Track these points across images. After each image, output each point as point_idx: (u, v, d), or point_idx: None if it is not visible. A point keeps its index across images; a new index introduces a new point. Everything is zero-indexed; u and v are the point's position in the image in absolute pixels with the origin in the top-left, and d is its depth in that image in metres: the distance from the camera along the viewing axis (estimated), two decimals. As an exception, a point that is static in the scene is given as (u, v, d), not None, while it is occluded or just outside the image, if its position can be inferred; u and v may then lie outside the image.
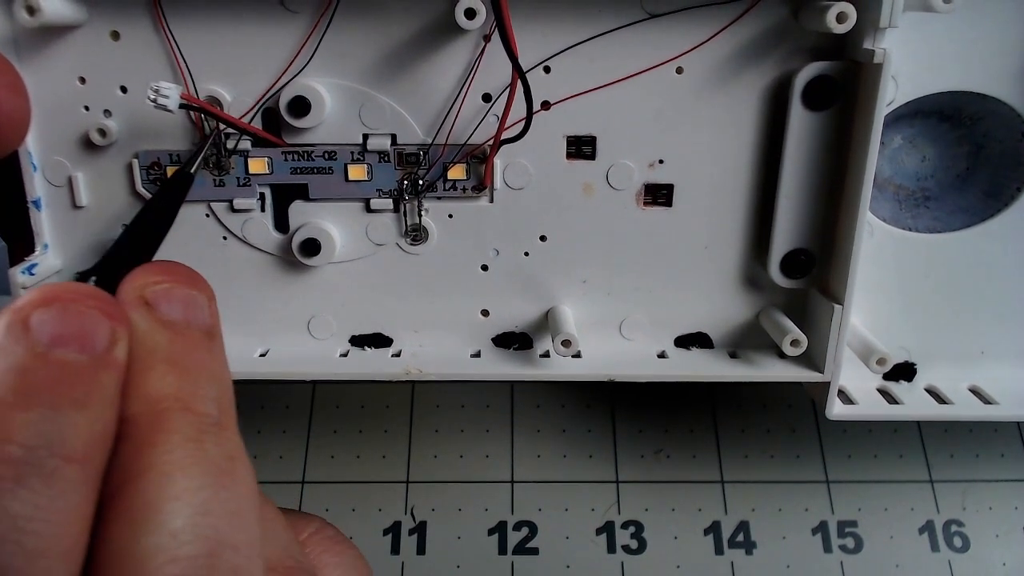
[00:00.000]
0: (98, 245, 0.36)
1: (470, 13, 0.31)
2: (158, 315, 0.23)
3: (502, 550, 0.44)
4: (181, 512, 0.20)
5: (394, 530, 0.44)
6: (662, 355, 0.38)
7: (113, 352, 0.21)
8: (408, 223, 0.36)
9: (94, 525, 0.20)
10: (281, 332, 0.38)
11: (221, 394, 0.23)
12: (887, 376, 0.39)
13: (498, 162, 0.35)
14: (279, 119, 0.34)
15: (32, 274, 0.34)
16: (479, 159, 0.35)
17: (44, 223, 0.36)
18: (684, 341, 0.39)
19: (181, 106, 0.31)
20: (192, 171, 0.32)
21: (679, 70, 0.34)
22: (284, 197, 0.36)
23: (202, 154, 0.33)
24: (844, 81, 0.33)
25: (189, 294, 0.24)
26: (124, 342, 0.21)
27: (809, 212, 0.35)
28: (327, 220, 0.36)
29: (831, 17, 0.30)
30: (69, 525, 0.19)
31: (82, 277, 0.24)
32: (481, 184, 0.35)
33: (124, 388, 0.21)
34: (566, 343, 0.35)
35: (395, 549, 0.44)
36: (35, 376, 0.19)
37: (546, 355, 0.38)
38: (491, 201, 0.36)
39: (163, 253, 0.36)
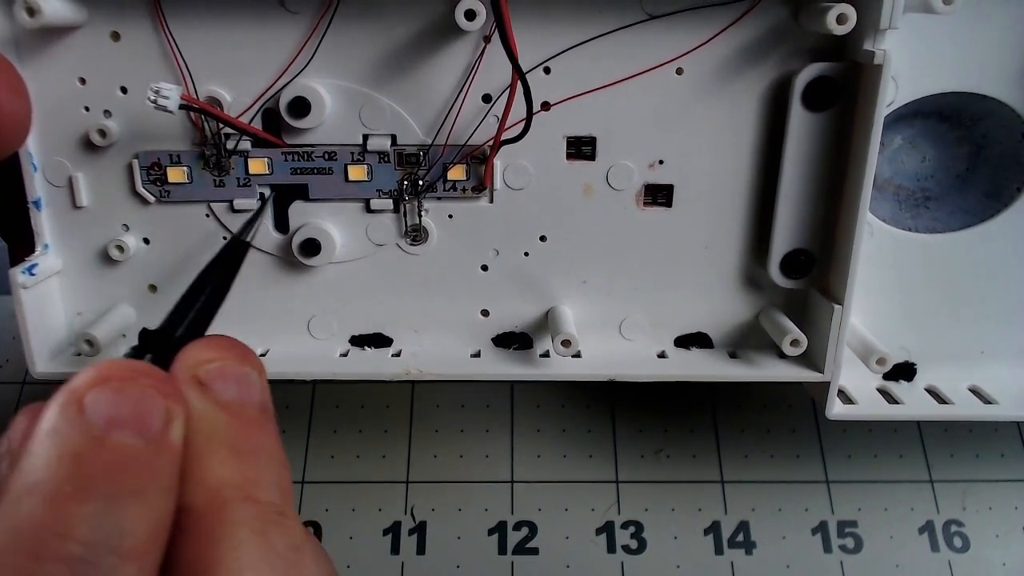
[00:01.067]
0: (99, 245, 0.36)
1: (470, 14, 0.31)
2: (213, 395, 0.22)
3: (502, 550, 0.44)
4: None
5: (394, 530, 0.44)
6: (662, 355, 0.38)
7: (169, 434, 0.20)
8: (408, 223, 0.36)
9: None
10: (281, 332, 0.38)
11: (281, 477, 0.22)
12: (887, 376, 0.39)
13: (498, 163, 0.35)
14: (279, 120, 0.34)
15: (32, 274, 0.34)
16: (479, 160, 0.35)
17: (44, 223, 0.36)
18: (684, 341, 0.39)
19: (181, 107, 0.31)
20: (248, 239, 0.31)
21: (679, 71, 0.34)
22: (284, 197, 0.36)
23: (258, 221, 0.33)
24: (844, 82, 0.33)
25: (243, 371, 0.23)
26: (180, 422, 0.21)
27: (809, 212, 0.35)
28: (327, 220, 0.36)
29: (831, 18, 0.30)
30: None
31: (136, 353, 0.24)
32: (481, 184, 0.35)
33: (184, 474, 0.21)
34: (566, 343, 0.35)
35: (395, 549, 0.44)
36: (92, 464, 0.19)
37: (546, 355, 0.38)
38: (491, 201, 0.36)
39: (165, 251, 0.36)
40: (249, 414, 0.23)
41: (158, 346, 0.24)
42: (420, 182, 0.35)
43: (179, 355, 0.23)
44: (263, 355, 0.38)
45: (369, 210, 0.36)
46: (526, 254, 0.37)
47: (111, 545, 0.18)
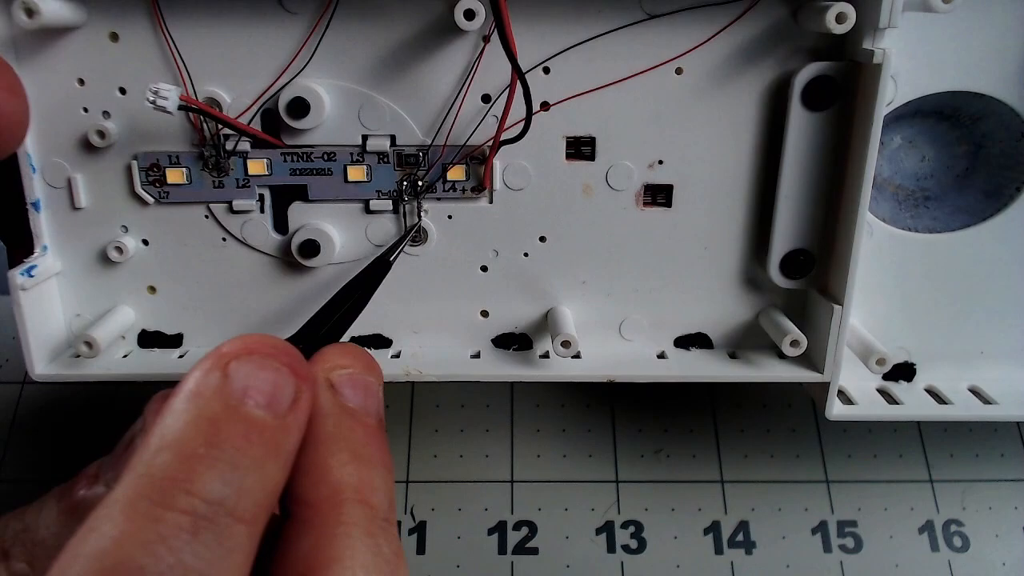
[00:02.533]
0: (98, 247, 0.36)
1: (469, 14, 0.31)
2: (341, 399, 0.24)
3: (502, 550, 0.44)
4: None
5: (394, 530, 0.44)
6: (662, 356, 0.38)
7: (295, 413, 0.22)
8: (407, 224, 0.36)
9: None
10: (280, 333, 0.37)
11: (389, 486, 0.24)
12: (887, 376, 0.39)
13: (497, 163, 0.35)
14: (278, 120, 0.34)
15: (31, 275, 0.34)
16: (478, 160, 0.35)
17: (43, 225, 0.35)
18: (684, 342, 0.39)
19: (180, 108, 0.31)
20: (392, 259, 0.33)
21: (679, 71, 0.34)
22: (283, 198, 0.36)
23: (404, 243, 0.35)
24: (843, 81, 0.33)
25: (368, 382, 0.25)
26: (306, 403, 0.22)
27: (809, 212, 0.35)
28: (326, 221, 0.36)
29: (830, 17, 0.30)
30: None
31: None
32: (480, 185, 0.35)
33: (305, 467, 0.22)
34: (566, 344, 0.35)
35: (395, 549, 0.44)
36: (225, 430, 0.20)
37: (546, 356, 0.38)
38: (490, 202, 0.36)
39: (164, 252, 0.36)
40: (369, 423, 0.24)
41: (303, 340, 0.26)
42: (419, 183, 0.35)
43: (317, 356, 0.25)
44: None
45: (368, 211, 0.36)
46: (526, 255, 0.37)
47: (228, 507, 0.20)
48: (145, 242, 0.36)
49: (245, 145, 0.35)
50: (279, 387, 0.22)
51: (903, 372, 0.39)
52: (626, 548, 0.44)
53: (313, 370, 0.24)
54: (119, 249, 0.36)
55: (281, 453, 0.21)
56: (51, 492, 0.31)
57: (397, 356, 0.38)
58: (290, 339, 0.26)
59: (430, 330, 0.38)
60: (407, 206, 0.36)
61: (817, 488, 0.45)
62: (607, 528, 0.44)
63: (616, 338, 0.38)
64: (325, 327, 0.29)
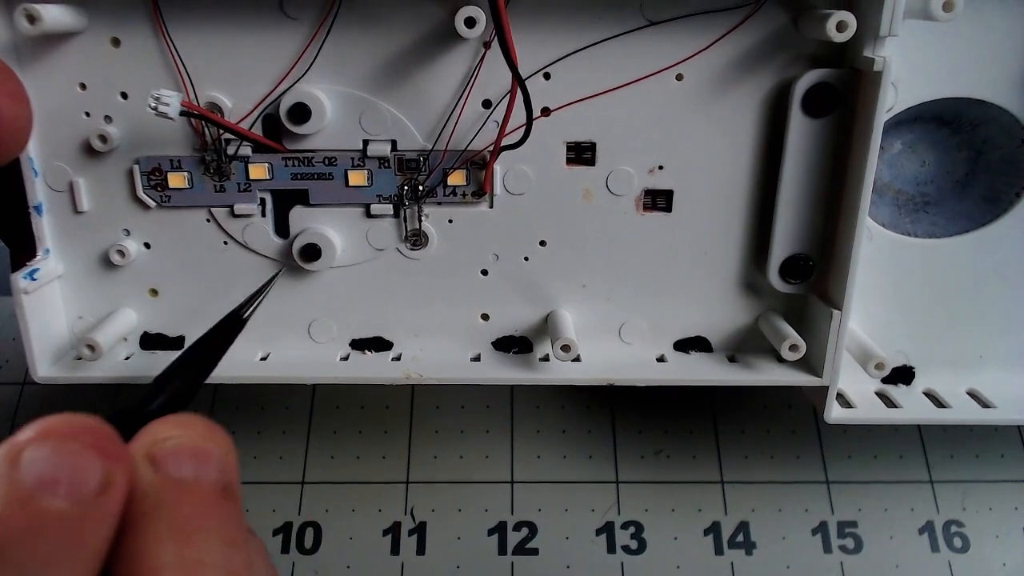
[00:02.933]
0: (100, 250, 0.36)
1: (470, 22, 0.31)
2: (164, 472, 0.21)
3: (502, 550, 0.44)
4: None
5: (394, 530, 0.44)
6: (661, 359, 0.38)
7: (102, 499, 0.19)
8: (408, 228, 0.36)
9: None
10: (282, 336, 0.38)
11: (230, 560, 0.21)
12: (886, 380, 0.40)
13: (498, 168, 0.35)
14: (279, 125, 0.34)
15: (34, 279, 0.35)
16: (479, 165, 0.35)
17: (45, 228, 0.36)
18: (683, 345, 0.39)
19: (182, 113, 0.31)
20: (246, 316, 0.30)
21: (679, 77, 0.34)
22: (285, 202, 0.36)
23: (260, 300, 0.32)
24: (844, 88, 0.33)
25: (202, 448, 0.22)
26: (119, 487, 0.20)
27: (808, 218, 0.35)
28: (327, 225, 0.36)
29: (831, 25, 0.30)
30: None
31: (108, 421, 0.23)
32: (481, 190, 0.35)
33: (120, 554, 0.20)
34: (566, 347, 0.35)
35: (395, 549, 0.44)
36: (11, 527, 0.18)
37: (545, 359, 0.38)
38: (491, 207, 0.36)
39: (165, 256, 0.36)
40: (201, 493, 0.21)
41: (128, 417, 0.23)
42: (420, 187, 0.35)
43: (139, 432, 0.22)
44: (263, 359, 0.38)
45: (369, 215, 0.36)
46: (526, 259, 0.37)
47: None
48: (147, 245, 0.36)
49: (246, 150, 0.35)
50: (81, 472, 0.19)
51: (902, 376, 0.40)
52: (626, 549, 0.44)
53: (132, 447, 0.21)
54: (121, 252, 0.36)
55: (83, 546, 0.19)
56: None
57: (398, 359, 0.38)
58: (110, 416, 0.22)
59: (431, 333, 0.38)
60: (408, 210, 0.36)
61: (817, 489, 0.46)
62: (607, 529, 0.44)
63: (616, 341, 0.38)
64: (158, 400, 0.25)
